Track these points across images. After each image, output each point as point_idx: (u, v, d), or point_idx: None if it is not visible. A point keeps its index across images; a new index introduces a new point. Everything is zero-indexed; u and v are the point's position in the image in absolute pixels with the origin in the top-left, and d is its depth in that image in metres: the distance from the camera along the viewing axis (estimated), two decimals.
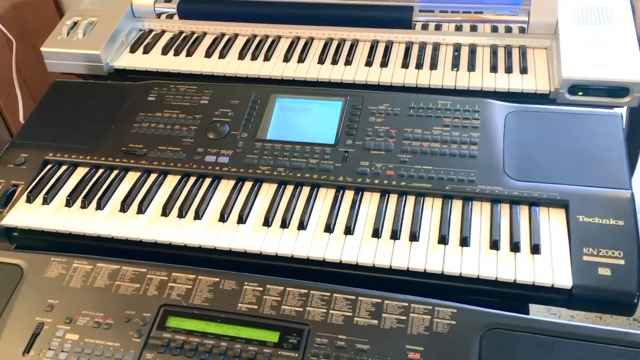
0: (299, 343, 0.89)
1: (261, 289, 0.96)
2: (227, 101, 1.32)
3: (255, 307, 0.94)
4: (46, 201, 1.18)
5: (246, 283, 0.97)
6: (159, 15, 1.61)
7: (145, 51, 1.53)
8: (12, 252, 1.06)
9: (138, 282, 0.99)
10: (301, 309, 0.93)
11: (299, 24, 1.55)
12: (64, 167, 1.26)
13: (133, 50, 1.54)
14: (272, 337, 0.91)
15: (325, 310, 0.92)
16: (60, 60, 1.51)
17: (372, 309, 0.92)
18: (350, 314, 0.91)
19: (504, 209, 1.08)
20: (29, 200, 1.19)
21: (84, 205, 1.17)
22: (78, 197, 1.19)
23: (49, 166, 1.26)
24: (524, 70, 1.37)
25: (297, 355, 0.88)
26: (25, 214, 1.16)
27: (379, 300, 0.92)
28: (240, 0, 1.58)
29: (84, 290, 0.99)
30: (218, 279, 0.98)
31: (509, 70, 1.37)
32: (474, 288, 1.01)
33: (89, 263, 1.02)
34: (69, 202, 1.18)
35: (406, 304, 0.91)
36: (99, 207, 1.16)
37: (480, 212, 1.08)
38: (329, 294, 0.94)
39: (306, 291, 0.95)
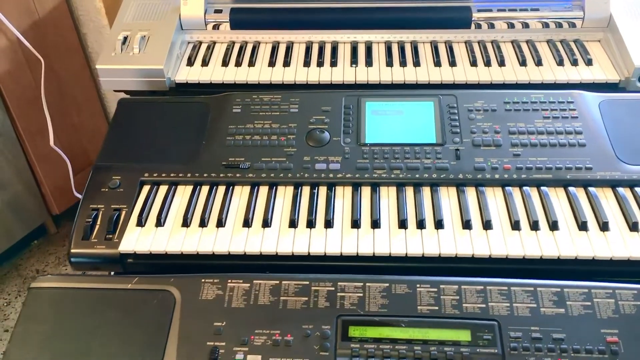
0: (494, 339, 0.89)
1: (435, 289, 0.95)
2: (318, 108, 1.30)
3: (436, 308, 0.93)
4: (160, 223, 1.12)
5: (418, 285, 0.96)
6: (206, 27, 1.56)
7: (204, 63, 1.49)
8: (156, 278, 1.00)
9: (305, 295, 0.96)
10: (483, 305, 0.93)
11: (355, 28, 1.55)
12: (164, 187, 1.20)
13: (190, 63, 1.49)
14: (464, 336, 0.90)
15: (508, 304, 0.93)
16: (118, 77, 1.44)
17: (555, 298, 0.93)
18: (535, 305, 0.92)
19: (628, 193, 1.13)
20: (141, 223, 1.12)
21: (203, 224, 1.12)
22: (193, 216, 1.14)
23: (147, 187, 1.19)
24: (589, 62, 1.43)
25: (496, 351, 0.88)
26: (142, 239, 1.10)
27: (559, 289, 0.94)
28: (294, 8, 1.55)
29: (249, 309, 0.95)
30: (387, 284, 0.96)
31: (574, 63, 1.43)
32: (624, 270, 1.04)
33: (245, 281, 0.98)
34: (187, 222, 1.12)
35: (586, 290, 0.93)
36: (220, 224, 1.12)
37: (606, 198, 1.12)
38: (506, 287, 0.95)
39: (482, 287, 0.95)
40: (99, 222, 1.13)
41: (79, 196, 1.88)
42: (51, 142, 1.68)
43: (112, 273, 1.14)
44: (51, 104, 1.79)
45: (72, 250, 1.11)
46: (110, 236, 1.11)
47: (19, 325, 0.95)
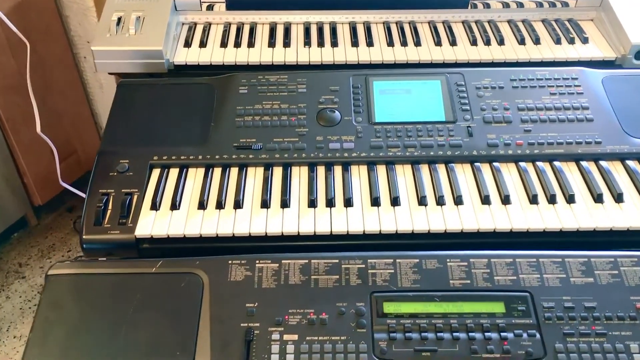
0: (527, 309, 0.90)
1: (465, 263, 0.96)
2: (326, 88, 1.29)
3: (468, 281, 0.94)
4: (176, 206, 1.10)
5: (448, 260, 0.96)
6: (201, 7, 1.53)
7: (202, 45, 1.45)
8: (180, 260, 0.97)
9: (336, 274, 0.95)
10: (514, 277, 0.94)
11: (353, 8, 1.54)
12: (175, 170, 1.17)
13: (188, 44, 1.45)
14: (498, 308, 0.91)
15: (538, 276, 0.94)
16: (115, 59, 1.39)
17: (583, 268, 0.95)
18: (564, 275, 0.94)
19: (637, 165, 1.15)
20: (155, 207, 1.09)
21: (220, 206, 1.10)
22: (208, 198, 1.11)
23: (157, 170, 1.16)
24: (585, 41, 1.45)
25: (531, 321, 0.89)
26: (158, 222, 1.07)
27: (586, 259, 0.95)
28: None
29: (281, 289, 0.93)
30: (418, 260, 0.96)
31: (571, 41, 1.45)
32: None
33: (274, 261, 0.96)
34: (203, 204, 1.10)
35: (612, 259, 0.95)
36: (238, 206, 1.10)
37: (617, 171, 1.15)
38: (535, 259, 0.96)
39: (512, 260, 0.96)
40: (110, 207, 1.10)
41: (65, 185, 1.83)
42: (38, 130, 1.62)
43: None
44: (34, 90, 1.72)
45: (85, 237, 1.07)
46: (124, 221, 1.08)
47: (41, 314, 0.92)
